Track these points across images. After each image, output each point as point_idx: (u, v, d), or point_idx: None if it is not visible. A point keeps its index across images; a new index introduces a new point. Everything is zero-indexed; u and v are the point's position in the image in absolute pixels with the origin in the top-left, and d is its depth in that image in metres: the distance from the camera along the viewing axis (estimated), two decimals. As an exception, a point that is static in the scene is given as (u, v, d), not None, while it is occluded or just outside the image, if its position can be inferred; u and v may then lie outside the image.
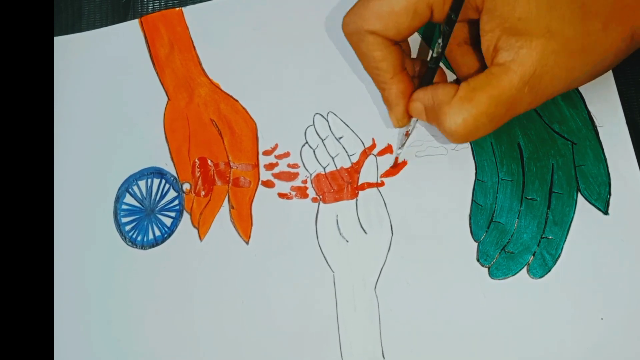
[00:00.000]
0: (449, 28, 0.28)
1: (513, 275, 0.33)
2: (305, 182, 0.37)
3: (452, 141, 0.29)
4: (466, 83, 0.28)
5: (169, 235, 0.39)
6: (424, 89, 0.30)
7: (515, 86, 0.26)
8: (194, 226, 0.38)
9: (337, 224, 0.36)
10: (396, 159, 0.36)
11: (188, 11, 0.42)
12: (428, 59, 0.30)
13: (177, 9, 0.42)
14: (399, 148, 0.35)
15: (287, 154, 0.38)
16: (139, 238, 0.39)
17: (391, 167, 0.36)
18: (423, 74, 0.31)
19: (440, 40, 0.29)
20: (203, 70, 0.41)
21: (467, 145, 0.35)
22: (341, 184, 0.37)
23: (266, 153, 0.38)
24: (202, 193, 0.39)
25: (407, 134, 0.34)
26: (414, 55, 0.36)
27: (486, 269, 0.33)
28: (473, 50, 0.33)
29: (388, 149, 0.36)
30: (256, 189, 0.38)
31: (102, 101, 0.42)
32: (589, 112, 0.34)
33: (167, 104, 0.41)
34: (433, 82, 0.31)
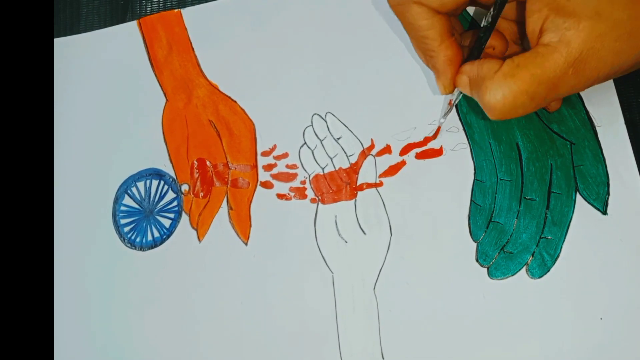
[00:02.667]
0: None
1: (512, 275, 0.33)
2: (304, 182, 0.37)
3: (491, 117, 0.28)
4: (511, 60, 0.27)
5: (168, 237, 0.39)
6: (471, 62, 0.30)
7: (560, 67, 0.26)
8: (193, 227, 0.38)
9: (336, 224, 0.36)
10: (438, 128, 0.35)
11: (186, 12, 0.42)
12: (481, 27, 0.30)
13: (176, 10, 0.42)
14: (442, 117, 0.35)
15: (285, 155, 0.38)
16: (138, 239, 0.39)
17: (432, 136, 0.36)
18: (473, 44, 0.31)
19: (492, 10, 0.29)
20: (201, 71, 0.41)
21: (466, 145, 0.35)
22: (340, 185, 0.37)
23: (265, 154, 0.38)
24: (201, 194, 0.39)
25: (450, 103, 0.34)
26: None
27: (485, 269, 0.33)
28: (518, 30, 0.32)
29: (386, 150, 0.36)
30: (255, 190, 0.38)
31: (101, 103, 0.42)
32: (587, 112, 0.34)
33: (165, 105, 0.41)
34: (483, 50, 0.31)
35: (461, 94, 0.33)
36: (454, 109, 0.36)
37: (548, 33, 0.27)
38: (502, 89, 0.27)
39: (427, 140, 0.36)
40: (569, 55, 0.26)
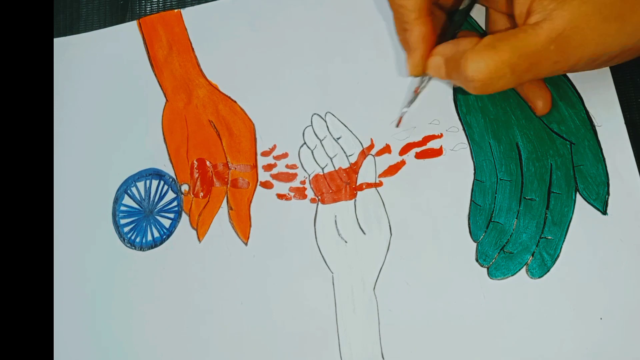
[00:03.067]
0: None
1: (512, 275, 0.33)
2: (303, 182, 0.37)
3: (471, 90, 0.28)
4: (492, 34, 0.28)
5: (168, 237, 0.39)
6: (446, 42, 0.30)
7: (540, 41, 0.26)
8: (193, 227, 0.38)
9: (336, 224, 0.36)
10: (400, 118, 0.35)
11: (186, 13, 0.42)
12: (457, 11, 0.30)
13: (176, 10, 0.42)
14: (406, 106, 0.35)
15: (285, 155, 0.38)
16: (138, 239, 0.39)
17: (396, 124, 0.36)
18: (447, 26, 0.31)
19: None
20: (201, 71, 0.41)
21: (466, 145, 0.35)
22: (339, 185, 0.37)
23: (264, 154, 0.38)
24: (201, 194, 0.39)
25: (417, 91, 0.34)
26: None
27: (485, 269, 0.33)
28: (510, 22, 0.33)
29: (386, 149, 0.36)
30: (255, 190, 0.38)
31: (101, 103, 0.42)
32: (587, 112, 0.34)
33: (165, 105, 0.41)
34: (457, 34, 0.31)
35: (429, 81, 0.33)
36: (454, 109, 0.36)
37: (534, 14, 0.27)
38: (484, 59, 0.27)
39: (426, 139, 0.36)
40: (551, 31, 0.26)
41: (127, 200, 0.40)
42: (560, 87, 0.34)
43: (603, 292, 0.32)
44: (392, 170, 0.36)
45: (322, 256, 0.36)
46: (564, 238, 0.33)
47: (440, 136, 0.36)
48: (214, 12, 0.42)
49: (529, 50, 0.27)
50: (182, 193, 0.39)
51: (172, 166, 0.40)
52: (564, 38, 0.26)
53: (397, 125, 0.36)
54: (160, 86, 0.41)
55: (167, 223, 0.39)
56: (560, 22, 0.26)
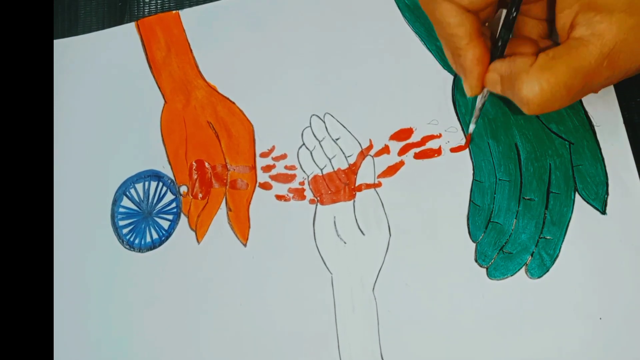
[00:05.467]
0: None
1: (511, 275, 0.33)
2: (302, 183, 0.37)
3: (526, 111, 0.28)
4: (544, 53, 0.27)
5: (167, 238, 0.39)
6: (502, 60, 0.30)
7: (595, 58, 0.26)
8: (192, 229, 0.38)
9: (335, 225, 0.36)
10: (468, 135, 0.35)
11: (184, 14, 0.42)
12: (498, 29, 0.30)
13: (174, 11, 0.42)
14: (473, 123, 0.34)
15: (284, 156, 0.38)
16: (137, 241, 0.39)
17: (464, 145, 0.35)
18: (495, 45, 0.31)
19: (511, 10, 0.29)
20: (200, 72, 0.41)
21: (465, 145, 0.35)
22: (338, 185, 0.37)
23: (263, 155, 0.38)
24: (200, 196, 0.39)
25: (479, 109, 0.33)
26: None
27: (484, 270, 0.33)
28: (547, 28, 0.32)
29: (385, 150, 0.36)
30: (253, 191, 0.38)
31: (99, 104, 0.42)
32: (586, 112, 0.34)
33: (164, 107, 0.41)
34: (505, 48, 0.30)
35: (487, 95, 0.33)
36: (453, 108, 0.36)
37: (580, 27, 0.27)
38: (540, 82, 0.27)
39: (425, 140, 0.36)
40: (604, 47, 0.26)
41: (125, 201, 0.40)
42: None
43: (602, 292, 0.32)
44: (391, 170, 0.36)
45: (321, 257, 0.36)
46: (563, 238, 0.33)
47: (439, 136, 0.36)
48: (212, 13, 0.42)
49: (584, 68, 0.26)
50: (180, 194, 0.39)
51: (171, 167, 0.40)
52: (614, 53, 0.26)
53: (466, 146, 0.35)
54: (159, 88, 0.41)
55: (166, 224, 0.39)
56: (610, 37, 0.26)
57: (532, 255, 0.33)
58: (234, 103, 0.40)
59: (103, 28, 0.43)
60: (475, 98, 0.33)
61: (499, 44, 0.30)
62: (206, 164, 0.39)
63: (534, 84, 0.27)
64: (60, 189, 0.41)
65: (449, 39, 0.30)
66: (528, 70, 0.27)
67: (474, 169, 0.35)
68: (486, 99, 0.33)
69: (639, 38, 0.26)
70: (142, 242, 0.39)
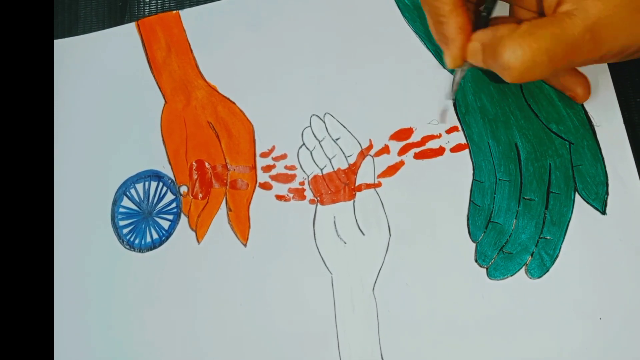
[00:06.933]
0: None
1: (511, 275, 0.33)
2: (302, 183, 0.37)
3: (507, 78, 0.28)
4: (529, 22, 0.28)
5: (167, 238, 0.39)
6: (484, 29, 0.30)
7: (578, 29, 0.26)
8: (192, 229, 0.38)
9: (335, 225, 0.36)
10: (444, 112, 0.35)
11: (185, 14, 0.42)
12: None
13: (174, 11, 0.42)
14: (451, 97, 0.34)
15: (284, 156, 0.38)
16: (137, 241, 0.39)
17: (440, 121, 0.36)
18: (478, 17, 0.31)
19: None
20: (200, 72, 0.41)
21: (465, 145, 0.35)
22: (338, 185, 0.37)
23: (263, 155, 0.38)
24: (200, 196, 0.39)
25: (457, 82, 0.33)
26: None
27: (484, 270, 0.33)
28: (537, 8, 0.32)
29: (385, 150, 0.36)
30: (254, 191, 0.38)
31: (100, 104, 0.42)
32: (586, 112, 0.34)
33: (164, 107, 0.41)
34: (489, 19, 0.30)
35: (467, 68, 0.33)
36: (452, 107, 0.36)
37: (566, 4, 0.27)
38: (522, 47, 0.27)
39: (425, 140, 0.36)
40: (587, 19, 0.26)
41: (126, 202, 0.40)
42: (559, 87, 0.34)
43: (602, 292, 0.32)
44: (391, 170, 0.36)
45: (321, 257, 0.36)
46: (563, 238, 0.33)
47: (439, 136, 0.36)
48: (213, 13, 0.42)
49: (567, 38, 0.27)
50: (181, 194, 0.39)
51: (171, 168, 0.40)
52: (598, 27, 0.26)
53: (444, 121, 0.35)
54: (159, 88, 0.41)
55: (166, 224, 0.39)
56: (594, 12, 0.26)
57: (532, 256, 0.33)
58: (234, 103, 0.40)
59: (103, 28, 0.43)
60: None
61: (484, 13, 0.30)
62: (206, 164, 0.39)
63: (516, 49, 0.27)
64: (61, 189, 0.41)
65: (432, 4, 0.30)
66: (511, 35, 0.27)
67: (474, 169, 0.35)
68: (465, 73, 0.33)
69: (623, 16, 0.26)
70: (142, 242, 0.39)
